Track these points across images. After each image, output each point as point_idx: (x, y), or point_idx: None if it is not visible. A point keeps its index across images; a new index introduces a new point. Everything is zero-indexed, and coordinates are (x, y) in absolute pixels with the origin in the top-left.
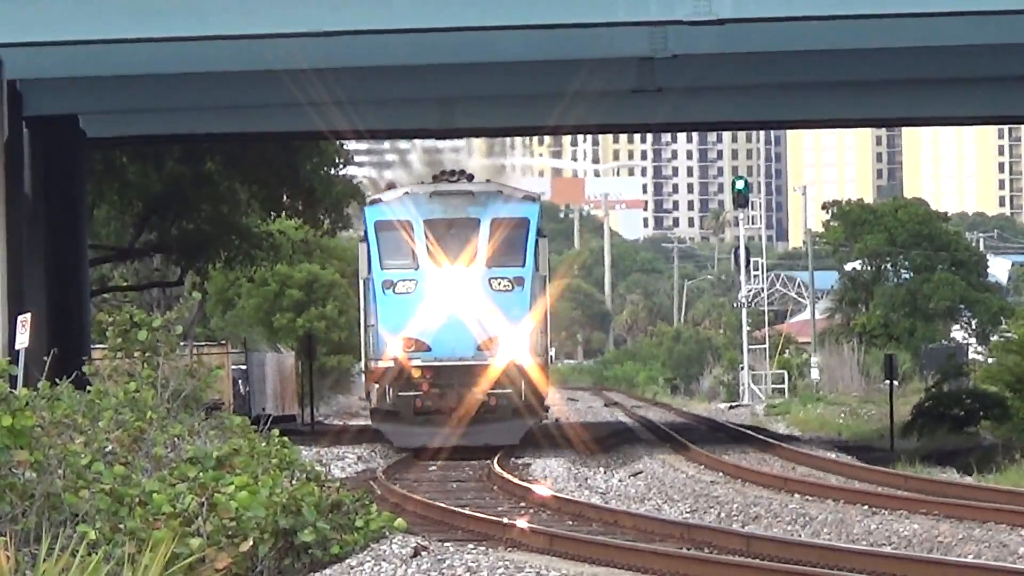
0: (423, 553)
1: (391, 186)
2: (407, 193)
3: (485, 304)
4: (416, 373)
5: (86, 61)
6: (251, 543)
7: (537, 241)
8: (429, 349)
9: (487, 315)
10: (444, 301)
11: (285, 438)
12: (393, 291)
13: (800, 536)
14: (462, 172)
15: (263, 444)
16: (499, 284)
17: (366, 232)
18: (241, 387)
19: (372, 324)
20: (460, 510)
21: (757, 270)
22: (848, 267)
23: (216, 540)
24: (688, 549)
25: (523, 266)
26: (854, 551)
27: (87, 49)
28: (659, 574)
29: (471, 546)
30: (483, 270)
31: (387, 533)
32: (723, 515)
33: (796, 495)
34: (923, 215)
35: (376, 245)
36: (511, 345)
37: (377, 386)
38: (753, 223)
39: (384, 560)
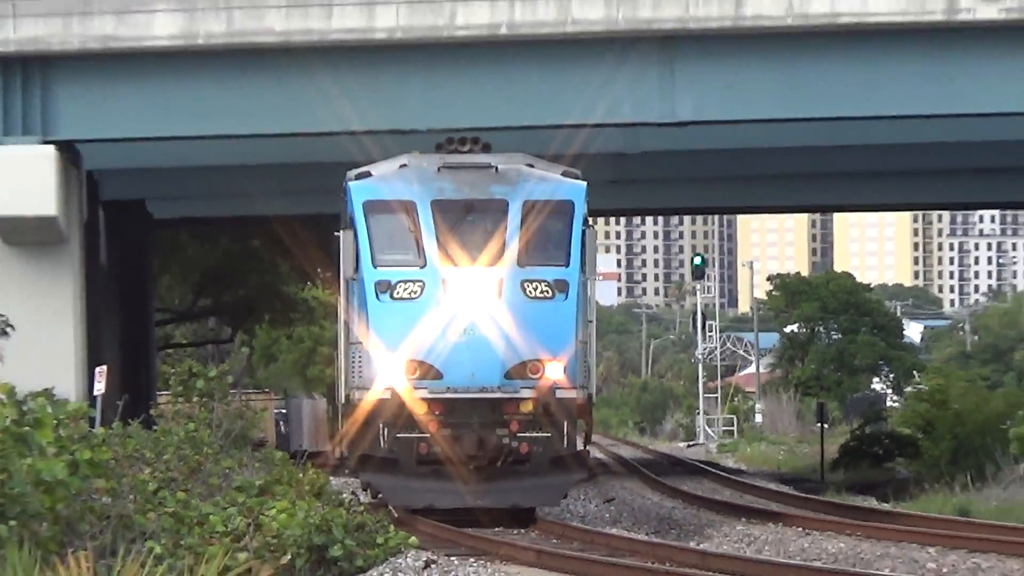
0: (432, 565)
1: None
2: (405, 165)
3: (517, 316)
4: (422, 408)
5: (152, 154)
6: (289, 557)
7: (584, 232)
8: (440, 376)
9: (520, 331)
10: (461, 311)
11: (318, 469)
12: (391, 296)
13: (746, 553)
14: (475, 139)
15: (300, 474)
16: (535, 289)
17: (352, 216)
18: (282, 427)
19: (357, 341)
20: (464, 530)
21: (711, 331)
22: (787, 329)
23: (261, 555)
24: (652, 563)
25: (567, 266)
26: (791, 565)
27: (153, 144)
28: None
29: (472, 560)
30: (514, 270)
31: (402, 549)
32: (681, 535)
33: (743, 519)
34: (850, 286)
35: (366, 234)
36: (551, 372)
37: (366, 425)
38: (708, 292)
39: (400, 572)
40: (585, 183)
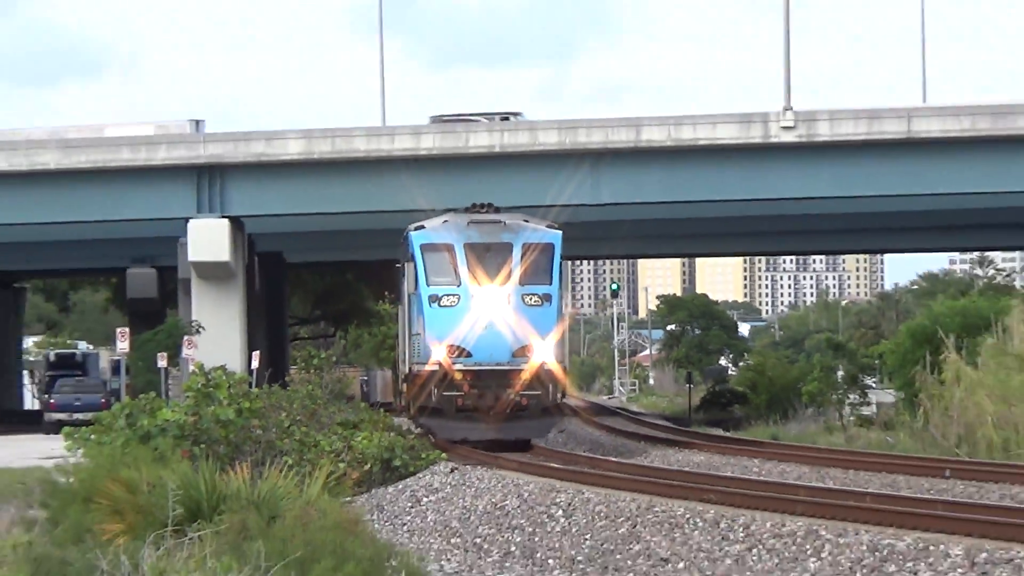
0: (455, 471)
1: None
2: (446, 221)
3: (519, 317)
4: (459, 376)
5: (286, 223)
6: (368, 466)
7: (560, 263)
8: (471, 355)
9: (520, 327)
10: (483, 314)
11: (387, 414)
12: (439, 304)
13: (642, 461)
14: (490, 204)
15: (375, 416)
16: (531, 300)
17: (412, 254)
18: (364, 388)
19: (418, 333)
20: (475, 451)
21: (622, 329)
22: (668, 328)
23: (351, 465)
24: (591, 469)
25: (551, 285)
26: (669, 470)
27: (286, 218)
28: (572, 481)
29: (480, 468)
30: (517, 288)
31: (437, 461)
32: (606, 452)
33: (641, 441)
34: (705, 301)
35: (423, 265)
36: (540, 352)
37: (422, 387)
38: (620, 305)
39: (435, 474)
40: (561, 232)
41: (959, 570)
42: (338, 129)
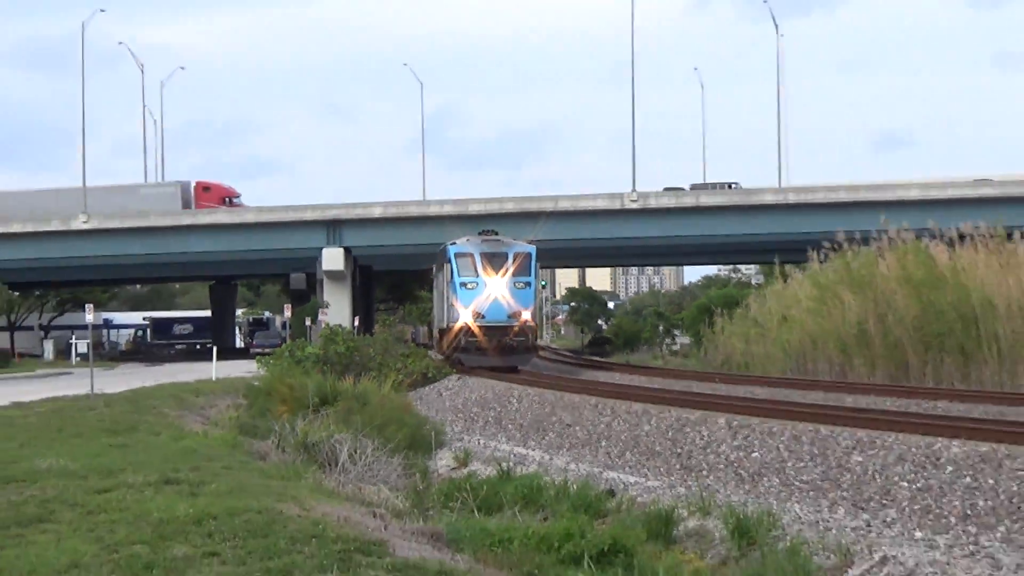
0: (461, 378)
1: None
2: (469, 240)
3: (512, 295)
4: (478, 329)
5: (374, 249)
6: (415, 376)
7: (536, 265)
8: (485, 316)
9: (513, 300)
10: (491, 292)
11: (427, 351)
12: (465, 288)
13: (553, 374)
14: (494, 231)
15: (420, 351)
16: (518, 285)
17: (449, 259)
18: (414, 336)
19: (452, 305)
20: (473, 369)
21: (548, 304)
22: (571, 303)
23: (406, 375)
24: (551, 382)
25: (530, 276)
26: (578, 381)
27: (375, 247)
28: (521, 384)
29: (473, 378)
30: (510, 278)
31: (451, 375)
32: (547, 371)
33: (556, 363)
34: (591, 291)
35: (456, 266)
36: (525, 315)
37: (455, 337)
38: (547, 291)
39: (450, 380)
40: (535, 247)
41: (723, 430)
42: (398, 202)
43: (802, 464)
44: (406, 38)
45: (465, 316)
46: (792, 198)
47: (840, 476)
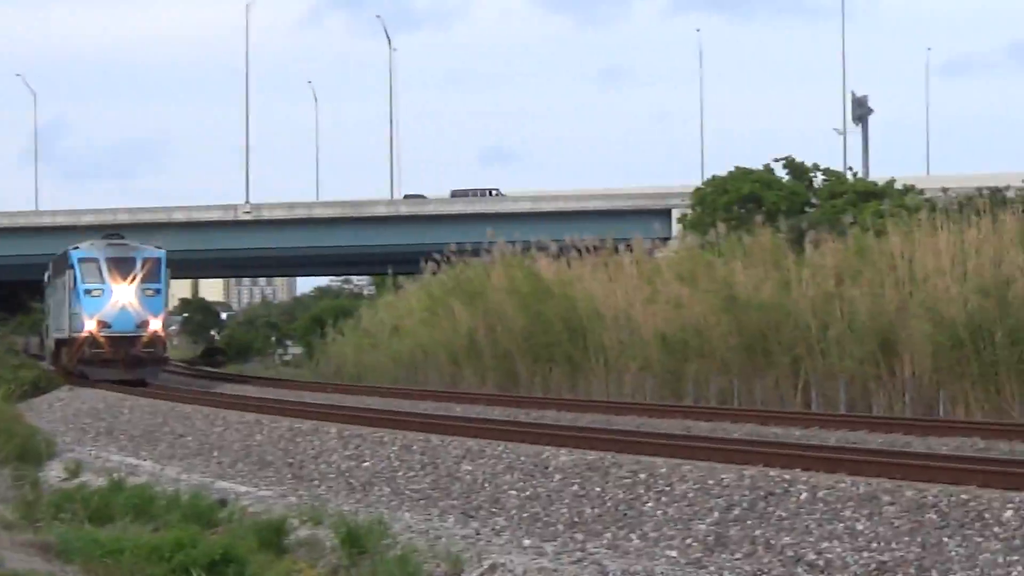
0: (72, 389)
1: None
2: (94, 244)
3: (141, 302)
4: (104, 339)
5: None
6: (26, 386)
7: (166, 271)
8: (111, 326)
9: (142, 308)
10: (118, 300)
11: (39, 361)
12: (90, 295)
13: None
14: (119, 234)
15: (31, 361)
16: (148, 292)
17: (72, 264)
18: (25, 347)
19: (77, 313)
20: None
21: (169, 315)
22: (184, 315)
23: (17, 385)
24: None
25: (159, 282)
26: (190, 391)
27: None
28: (132, 395)
29: (85, 388)
30: (139, 285)
31: (62, 385)
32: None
33: (169, 374)
34: (202, 302)
35: (79, 271)
36: (154, 324)
37: (81, 347)
38: None
39: (61, 391)
40: (164, 251)
41: (335, 439)
42: (8, 212)
43: (413, 473)
44: (18, 49)
45: (90, 325)
46: (404, 210)
47: (450, 485)
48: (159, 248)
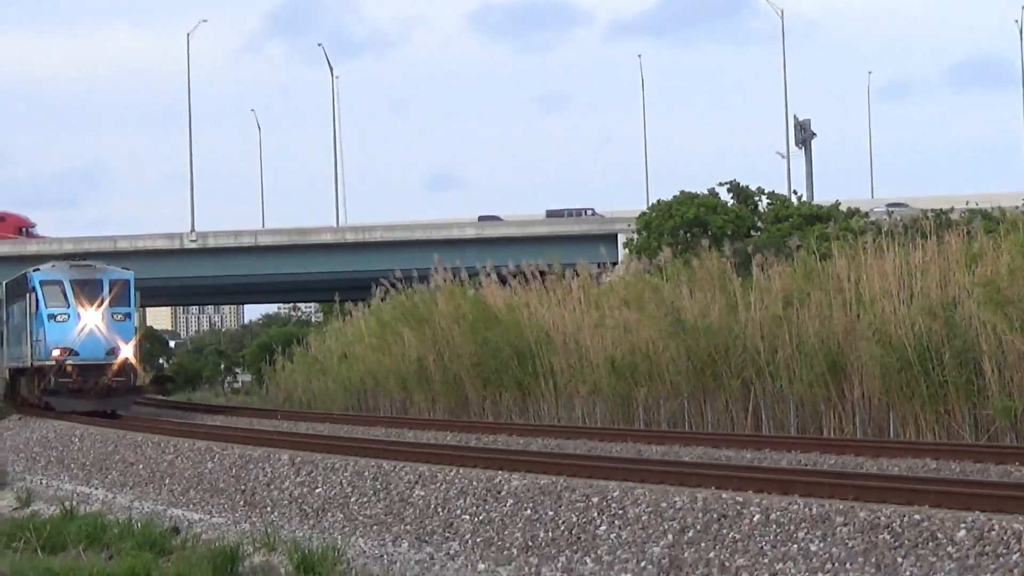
0: (21, 418)
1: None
2: (55, 266)
3: (109, 327)
4: (71, 368)
5: None
6: None
7: (136, 294)
8: (78, 353)
9: (111, 334)
10: (86, 325)
11: None
12: (55, 321)
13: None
14: (86, 255)
15: None
16: (117, 316)
17: (33, 288)
18: None
19: (40, 340)
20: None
21: None
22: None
23: None
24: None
25: (129, 306)
26: (140, 419)
27: None
28: (81, 423)
29: (37, 419)
30: (107, 308)
31: (12, 414)
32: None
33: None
34: (150, 330)
35: (42, 295)
36: (125, 350)
37: (46, 377)
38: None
39: (11, 421)
40: (132, 273)
41: (287, 466)
42: None
43: (366, 499)
44: None
45: (55, 353)
46: (350, 237)
47: (403, 510)
48: (127, 269)
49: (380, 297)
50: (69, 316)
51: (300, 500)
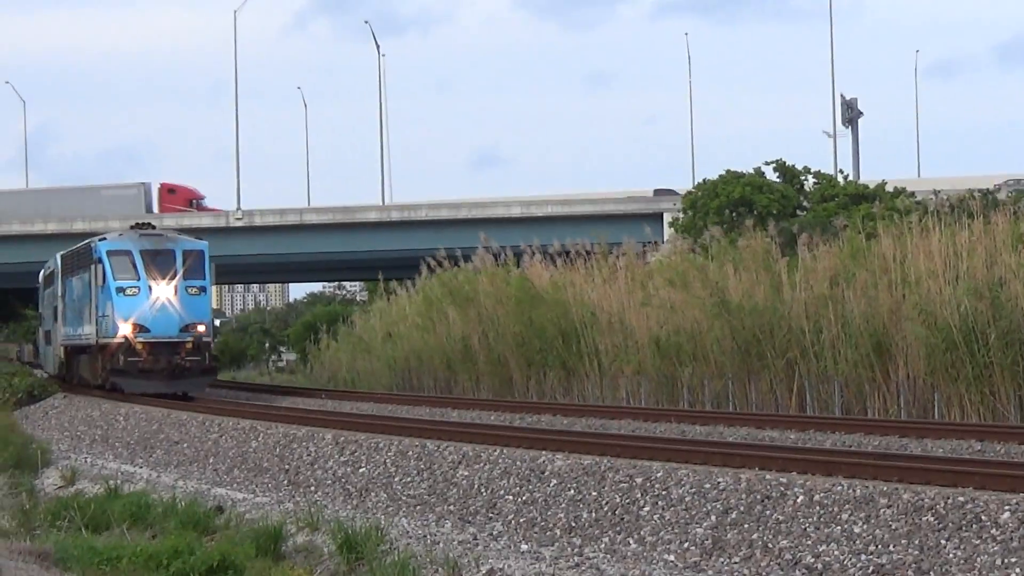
0: (67, 397)
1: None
2: (123, 235)
3: (184, 302)
4: (141, 346)
5: None
6: (20, 395)
7: (211, 266)
8: (150, 330)
9: (185, 309)
10: (158, 300)
11: (33, 369)
12: (124, 295)
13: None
14: (150, 224)
15: (25, 369)
16: (192, 290)
17: (99, 258)
18: (19, 354)
19: (107, 316)
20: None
21: None
22: None
23: (12, 393)
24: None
25: (204, 279)
26: (183, 398)
27: None
28: (130, 403)
29: (80, 396)
30: (182, 282)
31: (56, 393)
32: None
33: None
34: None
35: (109, 266)
36: (200, 328)
37: (114, 356)
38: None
39: (56, 399)
40: (207, 243)
41: (330, 446)
42: None
43: (409, 479)
44: (6, 56)
45: (124, 329)
46: (395, 216)
47: (447, 490)
48: (201, 240)
49: (425, 276)
50: (139, 289)
51: (343, 480)
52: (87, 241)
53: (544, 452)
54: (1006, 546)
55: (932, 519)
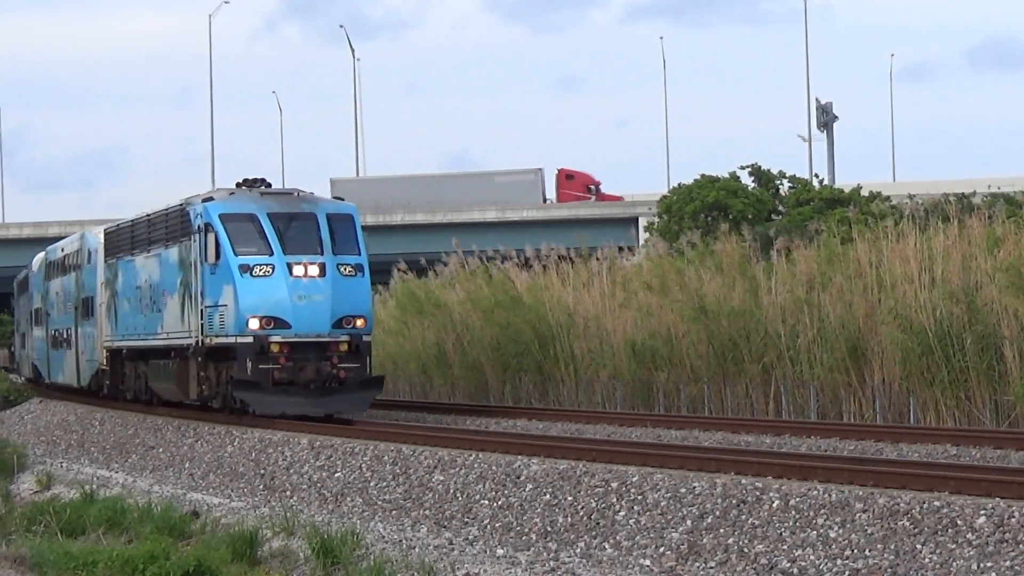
0: (42, 402)
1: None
2: (235, 194)
3: (335, 286)
4: (278, 346)
5: None
6: None
7: (363, 237)
8: (290, 325)
9: (338, 296)
10: (299, 282)
11: (7, 373)
12: (249, 275)
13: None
14: (265, 181)
15: (1, 373)
16: (346, 269)
17: (210, 223)
18: None
19: (222, 305)
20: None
21: None
22: None
23: None
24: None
25: (359, 254)
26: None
27: None
28: (107, 408)
29: (54, 401)
30: (331, 257)
31: (32, 398)
32: None
33: None
34: None
35: (226, 236)
36: (359, 322)
37: (239, 360)
38: None
39: (32, 404)
40: (355, 206)
41: (306, 450)
42: None
43: (384, 484)
44: None
45: (253, 325)
46: (371, 220)
47: (422, 495)
48: (342, 200)
49: (397, 282)
50: (273, 268)
51: (319, 484)
52: (180, 206)
53: (520, 457)
54: (982, 551)
55: (908, 524)
